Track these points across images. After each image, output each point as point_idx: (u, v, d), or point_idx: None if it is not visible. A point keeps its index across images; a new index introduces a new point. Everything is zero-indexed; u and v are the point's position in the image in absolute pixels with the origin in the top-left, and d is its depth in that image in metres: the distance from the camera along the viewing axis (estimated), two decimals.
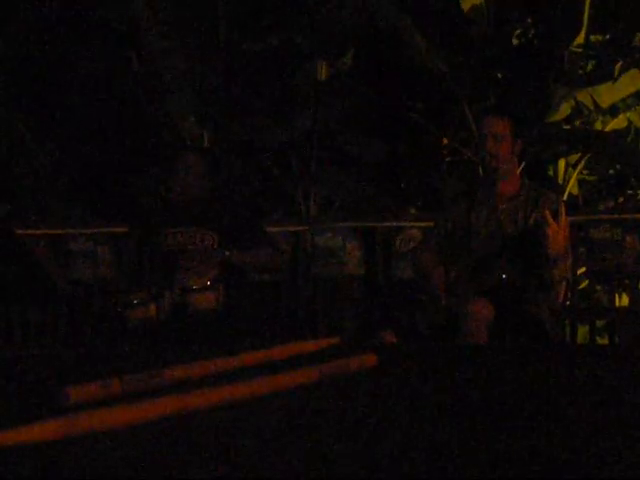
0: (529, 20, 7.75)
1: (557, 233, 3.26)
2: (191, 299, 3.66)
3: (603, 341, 5.52)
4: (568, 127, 7.39)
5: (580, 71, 7.41)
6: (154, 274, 3.80)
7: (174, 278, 3.68)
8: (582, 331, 5.71)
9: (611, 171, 7.76)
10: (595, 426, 1.54)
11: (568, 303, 5.06)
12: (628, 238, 5.01)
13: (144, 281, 3.77)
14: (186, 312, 3.63)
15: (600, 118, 7.42)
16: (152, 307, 3.60)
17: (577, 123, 7.42)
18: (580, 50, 7.32)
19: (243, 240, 3.88)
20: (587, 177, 7.76)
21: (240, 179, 7.33)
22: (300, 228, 5.60)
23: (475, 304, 3.26)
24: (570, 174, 7.52)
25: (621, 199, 7.66)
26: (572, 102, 7.18)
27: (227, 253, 3.78)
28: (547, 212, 3.25)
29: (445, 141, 7.95)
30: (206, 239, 3.89)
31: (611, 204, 7.72)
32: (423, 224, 5.24)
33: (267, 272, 4.49)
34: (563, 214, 3.31)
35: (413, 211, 7.87)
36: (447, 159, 8.03)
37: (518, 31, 7.73)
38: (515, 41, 7.70)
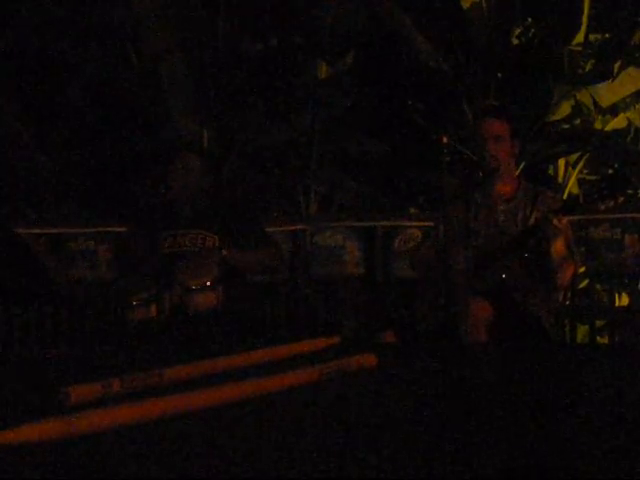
0: (529, 19, 7.74)
1: (558, 234, 3.27)
2: (191, 299, 3.66)
3: (603, 341, 5.52)
4: (568, 126, 7.39)
5: (580, 70, 7.41)
6: (154, 275, 3.80)
7: (174, 279, 3.68)
8: (582, 331, 5.70)
9: (610, 171, 7.76)
10: (595, 425, 1.55)
11: (568, 303, 5.06)
12: (628, 237, 5.01)
13: (144, 282, 3.77)
14: (186, 312, 3.63)
15: (600, 117, 7.41)
16: (152, 308, 3.60)
17: (577, 122, 7.42)
18: (580, 49, 7.32)
19: (243, 239, 3.88)
20: (587, 177, 7.75)
21: (240, 178, 7.32)
22: (300, 227, 5.60)
23: (474, 304, 3.26)
24: (570, 173, 7.51)
25: (621, 199, 7.65)
26: (572, 101, 7.18)
27: (224, 252, 3.77)
28: (551, 215, 3.26)
29: (445, 140, 7.93)
30: (207, 240, 3.89)
31: (611, 203, 7.71)
32: (423, 223, 5.24)
33: (266, 272, 4.49)
34: (563, 214, 3.32)
35: (413, 210, 7.86)
36: (447, 158, 8.01)
37: (518, 30, 7.72)
38: (515, 40, 7.69)
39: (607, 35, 7.52)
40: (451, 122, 7.62)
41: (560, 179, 7.53)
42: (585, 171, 7.65)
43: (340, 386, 1.90)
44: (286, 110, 7.16)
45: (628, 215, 5.18)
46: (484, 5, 7.33)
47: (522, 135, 6.65)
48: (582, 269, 5.23)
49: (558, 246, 3.34)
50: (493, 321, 3.29)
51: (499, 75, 7.54)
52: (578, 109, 7.22)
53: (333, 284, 5.49)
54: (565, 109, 7.22)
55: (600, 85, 7.04)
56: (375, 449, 1.37)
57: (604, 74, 7.15)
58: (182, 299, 3.64)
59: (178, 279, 3.67)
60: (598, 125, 7.45)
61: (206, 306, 3.67)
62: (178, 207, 3.98)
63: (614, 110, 7.40)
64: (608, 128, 7.44)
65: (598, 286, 6.70)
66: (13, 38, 7.43)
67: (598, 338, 5.41)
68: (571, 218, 3.79)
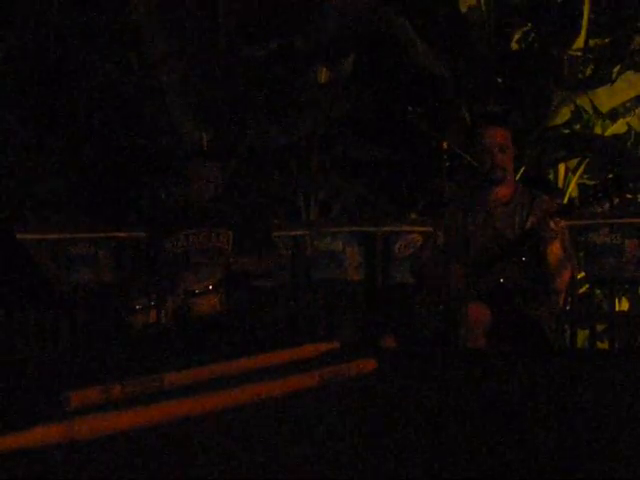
0: (529, 24, 7.76)
1: (555, 237, 3.28)
2: (193, 302, 3.68)
3: (603, 346, 5.52)
4: (567, 131, 7.40)
5: (579, 75, 7.42)
6: (159, 278, 3.83)
7: (179, 281, 3.71)
8: (582, 335, 5.70)
9: (610, 175, 7.76)
10: (595, 431, 1.55)
11: (568, 307, 5.06)
12: (628, 242, 5.01)
13: (147, 285, 3.79)
14: (188, 316, 3.65)
15: (599, 122, 7.42)
16: (154, 312, 3.62)
17: (577, 127, 7.43)
18: (579, 54, 7.33)
19: (253, 246, 3.92)
20: (587, 182, 7.76)
21: (241, 183, 7.33)
22: (300, 232, 5.60)
23: (473, 308, 3.27)
24: (570, 179, 7.52)
25: (617, 200, 7.63)
26: (571, 106, 7.19)
27: (231, 260, 3.81)
28: (547, 218, 3.28)
29: (445, 145, 7.93)
30: (222, 237, 3.95)
31: (607, 205, 7.70)
32: (423, 228, 5.24)
33: (264, 278, 4.52)
34: (560, 217, 3.33)
35: (413, 215, 7.86)
36: (447, 164, 8.01)
37: (518, 35, 7.73)
38: (515, 45, 7.70)
39: (606, 40, 7.53)
40: (451, 127, 7.63)
41: (560, 184, 7.54)
42: (585, 176, 7.66)
43: (340, 391, 1.90)
44: (286, 115, 7.17)
45: (628, 220, 5.18)
46: (484, 10, 7.34)
47: (522, 140, 6.66)
48: (582, 274, 5.24)
49: (555, 249, 3.35)
50: (492, 326, 3.29)
51: (499, 80, 7.56)
52: (578, 114, 7.23)
53: (333, 289, 5.50)
54: (565, 114, 7.24)
55: (600, 90, 7.06)
56: (375, 454, 1.37)
57: (604, 79, 7.17)
58: (185, 302, 3.66)
59: (182, 282, 3.69)
60: (598, 130, 7.46)
61: (209, 310, 3.68)
62: (194, 210, 4.03)
63: (614, 115, 7.41)
64: (608, 133, 7.45)
65: (598, 291, 6.71)
66: (15, 42, 7.45)
67: (598, 343, 5.41)
68: (571, 223, 3.80)
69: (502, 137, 3.54)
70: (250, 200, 7.09)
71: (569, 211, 3.50)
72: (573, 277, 3.61)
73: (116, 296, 4.14)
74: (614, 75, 7.15)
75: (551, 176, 7.68)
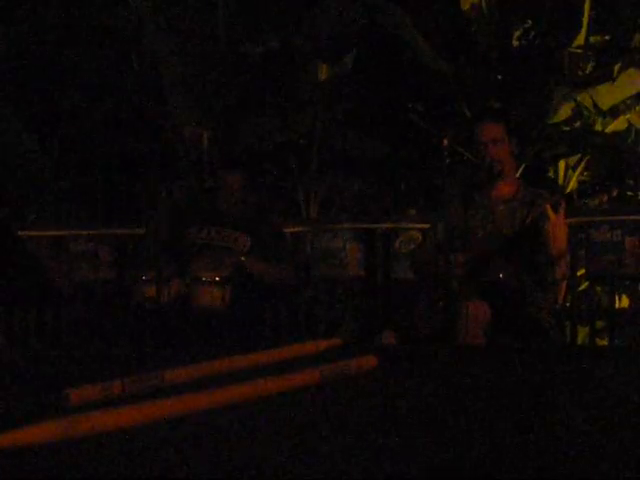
0: (529, 21, 7.75)
1: (556, 228, 3.28)
2: (198, 291, 3.70)
3: (603, 343, 5.52)
4: (568, 129, 7.39)
5: (580, 72, 7.42)
6: (170, 262, 3.86)
7: (189, 268, 3.75)
8: (582, 333, 5.70)
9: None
10: (595, 426, 1.55)
11: (568, 304, 5.06)
12: (628, 239, 5.00)
13: (157, 264, 3.82)
14: (190, 305, 3.68)
15: (600, 119, 7.42)
16: (159, 287, 3.63)
17: (577, 124, 7.42)
18: (580, 51, 7.33)
19: (270, 253, 3.98)
20: (587, 179, 7.76)
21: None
22: (300, 229, 5.60)
23: (471, 305, 3.27)
24: (570, 176, 7.52)
25: (615, 192, 7.63)
26: (572, 103, 7.18)
27: (242, 259, 3.87)
28: (548, 206, 3.29)
29: (445, 142, 7.93)
30: (240, 241, 3.99)
31: (605, 198, 7.69)
32: (423, 225, 5.24)
33: (277, 285, 4.56)
34: (561, 211, 3.34)
35: (413, 212, 7.86)
36: (447, 160, 8.01)
37: (518, 32, 7.73)
38: (515, 42, 7.70)
39: (607, 37, 7.53)
40: (451, 124, 7.63)
41: (561, 181, 7.53)
42: (585, 173, 7.66)
43: (341, 388, 1.90)
44: (286, 112, 7.16)
45: (628, 217, 5.18)
46: (484, 6, 7.34)
47: (522, 137, 6.65)
48: (582, 271, 5.24)
49: (556, 242, 3.35)
50: (492, 323, 3.29)
51: (499, 77, 7.55)
52: (578, 111, 7.22)
53: (334, 286, 5.50)
54: (565, 111, 7.23)
55: (600, 87, 7.05)
56: (375, 450, 1.37)
57: (604, 76, 7.16)
58: (189, 288, 3.69)
59: (191, 269, 3.74)
60: (598, 127, 7.45)
61: (210, 302, 3.70)
62: (217, 212, 4.09)
63: (614, 112, 7.40)
64: (608, 130, 7.45)
65: (598, 288, 6.71)
66: (14, 39, 7.44)
67: (598, 340, 5.41)
68: (571, 220, 3.80)
69: (495, 131, 3.56)
70: (259, 203, 7.09)
71: (567, 202, 3.50)
72: (567, 274, 3.61)
73: (126, 266, 4.20)
74: (615, 72, 7.15)
75: (551, 173, 7.67)
